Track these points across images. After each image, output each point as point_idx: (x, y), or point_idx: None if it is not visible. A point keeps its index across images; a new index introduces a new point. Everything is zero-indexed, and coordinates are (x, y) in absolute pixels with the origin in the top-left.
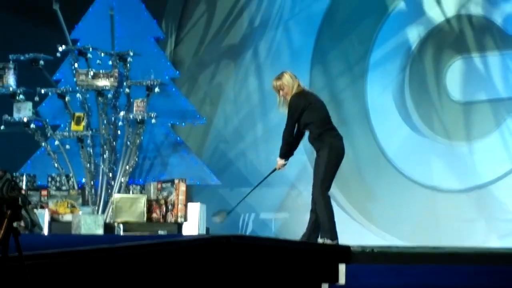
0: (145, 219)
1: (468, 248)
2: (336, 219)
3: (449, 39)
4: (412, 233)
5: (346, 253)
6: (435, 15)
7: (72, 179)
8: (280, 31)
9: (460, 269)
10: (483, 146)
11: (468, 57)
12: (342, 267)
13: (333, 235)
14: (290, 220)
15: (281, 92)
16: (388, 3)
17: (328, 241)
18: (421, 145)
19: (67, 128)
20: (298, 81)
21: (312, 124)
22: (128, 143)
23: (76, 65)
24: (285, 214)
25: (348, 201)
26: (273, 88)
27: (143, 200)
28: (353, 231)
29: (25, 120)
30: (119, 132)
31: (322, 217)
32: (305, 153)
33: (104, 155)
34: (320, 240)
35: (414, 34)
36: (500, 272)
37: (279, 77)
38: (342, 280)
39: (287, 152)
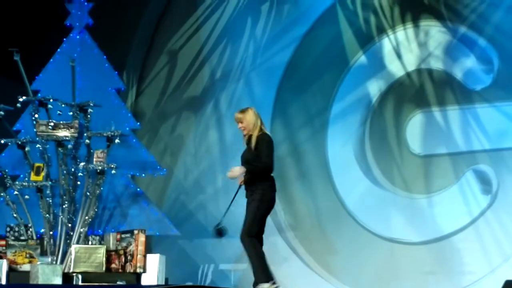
0: (104, 269)
1: None
2: (296, 272)
3: (410, 93)
4: (372, 285)
5: None
6: (396, 69)
7: (30, 229)
8: (241, 83)
9: None
10: (442, 199)
11: (428, 111)
12: None
13: (268, 277)
14: (249, 271)
15: (239, 125)
16: (349, 57)
17: (266, 285)
18: (381, 198)
19: (26, 178)
20: (261, 121)
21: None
22: (88, 193)
23: (36, 115)
24: (244, 265)
25: (308, 253)
26: (235, 119)
27: (102, 250)
28: (313, 284)
29: None
30: (78, 182)
31: (254, 263)
32: None
33: (64, 206)
34: None
35: (374, 88)
36: None
37: (243, 111)
38: None
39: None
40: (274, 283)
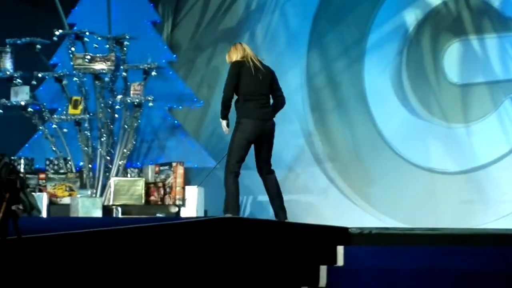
0: (143, 201)
1: (467, 229)
2: (335, 202)
3: (447, 22)
4: (411, 215)
5: (344, 235)
6: None
7: (70, 163)
8: (276, 15)
9: (459, 250)
10: (481, 128)
11: (466, 39)
12: (340, 249)
13: (236, 212)
14: (289, 203)
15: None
16: None
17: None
18: (419, 128)
19: (64, 112)
20: (242, 51)
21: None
22: (126, 126)
23: (73, 49)
24: (283, 196)
25: (347, 184)
26: None
27: (141, 183)
28: (352, 214)
29: (22, 103)
30: (116, 115)
31: (226, 199)
32: (302, 135)
33: (102, 139)
34: None
35: (411, 17)
36: (499, 253)
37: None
38: (340, 261)
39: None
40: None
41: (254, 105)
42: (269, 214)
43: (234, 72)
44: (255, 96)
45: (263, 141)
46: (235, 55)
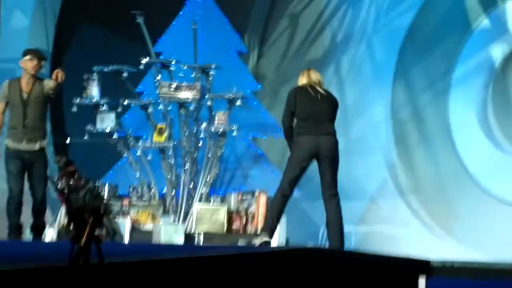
0: (225, 229)
1: None
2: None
3: None
4: (494, 249)
5: (426, 267)
6: None
7: (153, 189)
8: (362, 47)
9: None
10: None
11: None
12: (422, 282)
13: (270, 232)
14: (370, 234)
15: None
16: (471, 20)
17: (265, 238)
18: (504, 162)
19: (149, 139)
20: (303, 78)
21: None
22: (209, 155)
23: (159, 77)
24: (366, 227)
25: (429, 216)
26: None
27: (223, 210)
28: (433, 246)
29: (108, 130)
30: (200, 143)
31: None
32: (386, 167)
33: (185, 166)
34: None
35: (497, 52)
36: None
37: None
38: None
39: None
40: (267, 237)
41: (310, 122)
42: (351, 244)
43: (290, 98)
44: (312, 115)
45: (322, 159)
46: (299, 81)
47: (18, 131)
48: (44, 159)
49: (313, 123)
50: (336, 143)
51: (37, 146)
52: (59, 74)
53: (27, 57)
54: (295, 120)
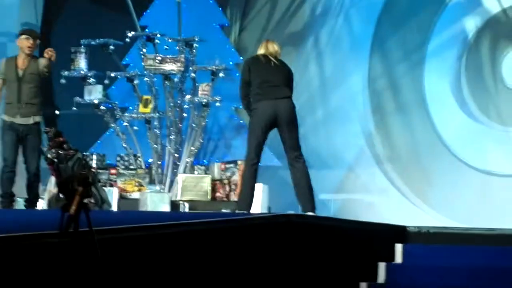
0: (209, 198)
1: None
2: (394, 202)
3: (506, 29)
4: (467, 215)
5: (402, 234)
6: (492, 5)
7: (139, 159)
8: (341, 19)
9: None
10: None
11: None
12: (398, 247)
13: (246, 207)
14: (349, 202)
15: None
16: None
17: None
18: (476, 131)
19: (135, 110)
20: (260, 49)
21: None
22: (194, 125)
23: (144, 50)
24: (343, 195)
25: (405, 184)
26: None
27: (207, 180)
28: (410, 213)
29: (95, 102)
30: (184, 114)
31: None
32: (363, 136)
33: (171, 137)
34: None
35: (471, 24)
36: None
37: None
38: (398, 259)
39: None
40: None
41: (265, 88)
42: (330, 211)
43: (244, 68)
44: (268, 82)
45: (281, 123)
46: (258, 51)
47: (13, 105)
48: (38, 132)
49: (269, 89)
50: (293, 106)
51: (31, 120)
52: (50, 53)
53: (23, 36)
54: (252, 90)
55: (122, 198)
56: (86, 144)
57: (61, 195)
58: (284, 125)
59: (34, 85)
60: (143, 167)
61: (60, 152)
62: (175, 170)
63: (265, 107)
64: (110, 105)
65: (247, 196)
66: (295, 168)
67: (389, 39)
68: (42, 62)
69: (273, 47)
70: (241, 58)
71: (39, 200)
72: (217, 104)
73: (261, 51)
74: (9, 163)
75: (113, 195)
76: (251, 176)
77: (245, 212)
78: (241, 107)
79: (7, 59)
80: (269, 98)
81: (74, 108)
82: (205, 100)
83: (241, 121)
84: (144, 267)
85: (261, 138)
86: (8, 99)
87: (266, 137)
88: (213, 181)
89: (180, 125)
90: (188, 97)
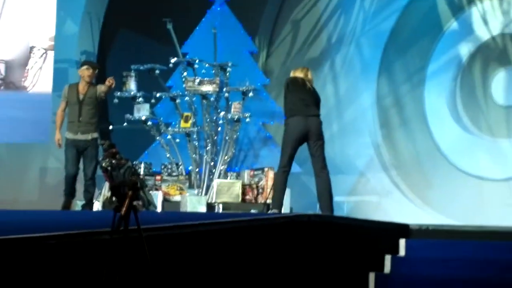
0: (240, 200)
1: (508, 227)
2: (399, 203)
3: (494, 54)
4: (462, 214)
5: (406, 230)
6: (483, 33)
7: (181, 167)
8: (353, 46)
9: (501, 244)
10: None
11: (511, 68)
12: (402, 242)
13: (278, 207)
14: (360, 202)
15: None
16: (443, 23)
17: (275, 211)
18: (470, 142)
19: (177, 125)
20: (299, 72)
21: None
22: (227, 138)
23: (185, 73)
24: (356, 198)
25: (408, 188)
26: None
27: (238, 184)
28: (412, 212)
29: (143, 118)
30: (219, 128)
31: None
32: (372, 147)
33: (207, 148)
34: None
35: (464, 50)
36: None
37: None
38: (402, 252)
39: None
40: (278, 211)
41: (299, 105)
42: (343, 212)
43: (284, 84)
44: (302, 100)
45: (310, 137)
46: (295, 73)
47: (74, 124)
48: (95, 145)
49: (302, 106)
50: (320, 123)
51: (89, 136)
52: (111, 81)
53: (84, 67)
54: (287, 105)
55: (165, 200)
56: (136, 154)
57: (113, 198)
58: (313, 139)
59: (92, 107)
60: (184, 174)
61: (113, 161)
62: (211, 176)
63: (297, 123)
64: (156, 121)
65: (279, 198)
66: (321, 178)
67: (395, 63)
68: (101, 88)
69: (310, 74)
70: (267, 80)
71: (95, 202)
72: (247, 119)
73: (300, 74)
74: (70, 174)
75: (158, 198)
76: (283, 181)
77: (277, 211)
78: (267, 122)
79: (70, 85)
80: (301, 115)
81: (126, 124)
82: (236, 116)
83: (267, 134)
84: (184, 260)
85: (293, 149)
86: (70, 119)
87: (297, 149)
88: (244, 185)
89: (215, 137)
90: (222, 113)
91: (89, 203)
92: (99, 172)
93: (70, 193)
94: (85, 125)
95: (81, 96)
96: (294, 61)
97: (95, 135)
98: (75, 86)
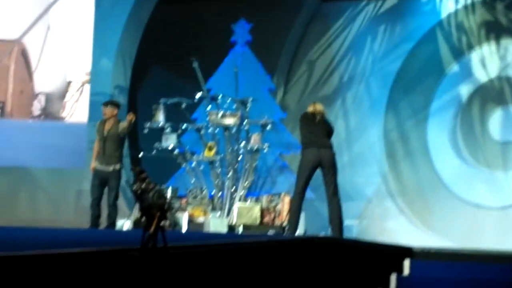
0: (258, 222)
1: (504, 251)
2: (404, 227)
3: (492, 94)
4: (460, 237)
5: (410, 251)
6: (481, 76)
7: (204, 191)
8: (362, 85)
9: (497, 267)
10: None
11: (506, 107)
12: (407, 262)
13: (293, 230)
14: (368, 226)
15: None
16: (445, 66)
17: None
18: (468, 173)
19: (201, 154)
20: (309, 107)
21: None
22: (247, 166)
23: (209, 107)
24: (365, 221)
25: (412, 213)
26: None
27: (257, 208)
28: (416, 235)
29: (170, 147)
30: (240, 157)
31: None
32: (379, 175)
33: (229, 175)
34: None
35: (464, 90)
36: None
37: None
38: (406, 271)
39: None
40: (293, 234)
41: (312, 137)
42: (353, 234)
43: (300, 120)
44: (314, 133)
45: (324, 167)
46: (308, 109)
47: (100, 157)
48: (117, 176)
49: (313, 138)
50: (333, 154)
51: (111, 168)
52: (131, 116)
53: (108, 106)
54: (302, 138)
55: (190, 221)
56: (163, 180)
57: (143, 219)
58: (326, 169)
59: (115, 142)
60: (207, 197)
61: (142, 185)
62: (232, 201)
63: (310, 154)
64: (182, 150)
65: (295, 221)
66: (332, 205)
67: (401, 101)
68: (123, 125)
69: (318, 107)
70: (284, 114)
71: (126, 221)
72: (265, 150)
73: (310, 109)
74: (95, 201)
75: (183, 219)
76: (298, 206)
77: (292, 232)
78: (284, 152)
79: (100, 122)
80: (314, 146)
81: (155, 152)
82: (256, 147)
83: (284, 163)
84: (207, 276)
85: (307, 177)
86: (98, 151)
87: (311, 177)
88: (262, 209)
89: (236, 165)
90: (242, 144)
91: (111, 226)
92: (128, 193)
93: (94, 214)
94: (109, 157)
95: (105, 133)
96: (309, 97)
97: (118, 166)
98: (102, 122)
